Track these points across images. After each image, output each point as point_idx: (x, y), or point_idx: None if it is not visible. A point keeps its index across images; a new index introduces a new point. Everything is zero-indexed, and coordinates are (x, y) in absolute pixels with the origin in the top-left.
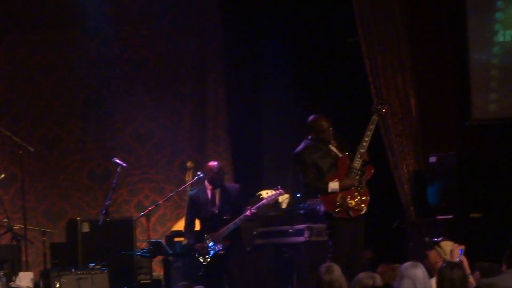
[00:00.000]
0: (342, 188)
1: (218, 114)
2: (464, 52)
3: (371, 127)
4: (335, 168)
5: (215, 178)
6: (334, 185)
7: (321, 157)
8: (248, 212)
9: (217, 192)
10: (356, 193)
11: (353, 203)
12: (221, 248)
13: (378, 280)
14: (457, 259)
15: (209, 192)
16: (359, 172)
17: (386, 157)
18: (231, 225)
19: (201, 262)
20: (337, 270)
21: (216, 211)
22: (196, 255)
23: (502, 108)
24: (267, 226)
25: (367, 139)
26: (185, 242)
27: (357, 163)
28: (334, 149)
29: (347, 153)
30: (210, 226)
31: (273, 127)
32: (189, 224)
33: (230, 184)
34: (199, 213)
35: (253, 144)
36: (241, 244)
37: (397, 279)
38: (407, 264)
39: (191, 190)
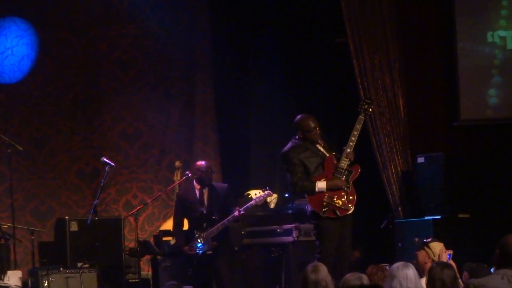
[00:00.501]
0: (329, 188)
1: (206, 114)
2: (452, 53)
3: (358, 126)
4: (322, 167)
5: (203, 178)
6: (321, 185)
7: (308, 157)
8: (236, 213)
9: (205, 191)
10: (343, 193)
11: (340, 202)
12: (208, 249)
13: (365, 280)
14: None
15: (197, 192)
16: (346, 172)
17: (374, 157)
18: (219, 226)
19: (189, 263)
20: (323, 270)
21: (205, 211)
22: (185, 257)
23: (491, 109)
24: (255, 226)
25: (353, 138)
26: (173, 242)
27: (344, 163)
28: (321, 149)
29: (334, 153)
30: (198, 226)
31: (261, 127)
32: (178, 224)
33: (218, 184)
34: (187, 212)
35: (241, 144)
36: (230, 244)
37: (388, 279)
38: (398, 264)
39: (179, 189)
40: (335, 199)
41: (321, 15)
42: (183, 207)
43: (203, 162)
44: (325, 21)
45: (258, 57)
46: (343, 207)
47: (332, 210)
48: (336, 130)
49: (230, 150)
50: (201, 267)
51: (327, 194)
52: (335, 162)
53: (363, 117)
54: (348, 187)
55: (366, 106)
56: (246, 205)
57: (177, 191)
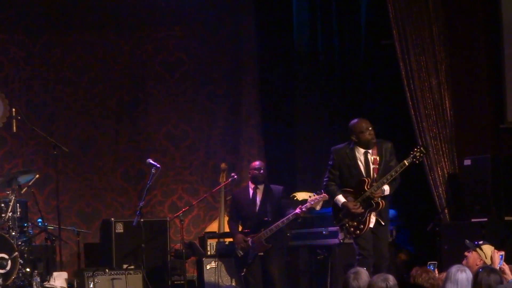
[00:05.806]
0: (342, 208)
1: (252, 116)
2: (499, 54)
3: (398, 169)
4: (355, 182)
5: (256, 175)
6: (339, 200)
7: (348, 166)
8: (298, 210)
9: (259, 191)
10: (357, 219)
11: (349, 225)
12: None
13: (392, 281)
14: (499, 265)
15: (251, 191)
16: (371, 202)
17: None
18: (273, 227)
19: (237, 254)
20: (364, 277)
21: (256, 211)
22: (238, 258)
23: None
24: (300, 228)
25: (389, 177)
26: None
27: (372, 193)
28: (371, 163)
29: (372, 177)
30: (249, 226)
31: (307, 129)
32: (231, 218)
33: (274, 186)
34: (240, 212)
35: (286, 146)
36: (283, 246)
37: (445, 280)
38: (455, 267)
39: (235, 189)
40: (346, 220)
41: (367, 17)
42: (237, 205)
43: (257, 162)
44: (371, 23)
45: (304, 58)
46: (351, 230)
47: (341, 226)
48: (381, 132)
49: (276, 152)
50: (253, 268)
51: (343, 212)
52: (366, 188)
53: (408, 164)
54: (363, 217)
55: (418, 154)
56: (306, 204)
57: (223, 193)
